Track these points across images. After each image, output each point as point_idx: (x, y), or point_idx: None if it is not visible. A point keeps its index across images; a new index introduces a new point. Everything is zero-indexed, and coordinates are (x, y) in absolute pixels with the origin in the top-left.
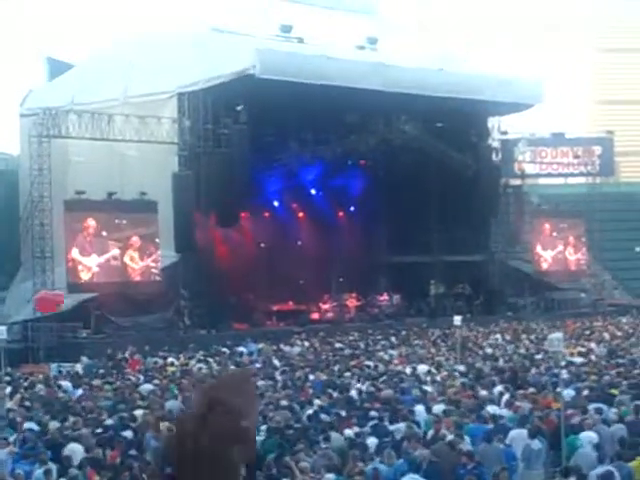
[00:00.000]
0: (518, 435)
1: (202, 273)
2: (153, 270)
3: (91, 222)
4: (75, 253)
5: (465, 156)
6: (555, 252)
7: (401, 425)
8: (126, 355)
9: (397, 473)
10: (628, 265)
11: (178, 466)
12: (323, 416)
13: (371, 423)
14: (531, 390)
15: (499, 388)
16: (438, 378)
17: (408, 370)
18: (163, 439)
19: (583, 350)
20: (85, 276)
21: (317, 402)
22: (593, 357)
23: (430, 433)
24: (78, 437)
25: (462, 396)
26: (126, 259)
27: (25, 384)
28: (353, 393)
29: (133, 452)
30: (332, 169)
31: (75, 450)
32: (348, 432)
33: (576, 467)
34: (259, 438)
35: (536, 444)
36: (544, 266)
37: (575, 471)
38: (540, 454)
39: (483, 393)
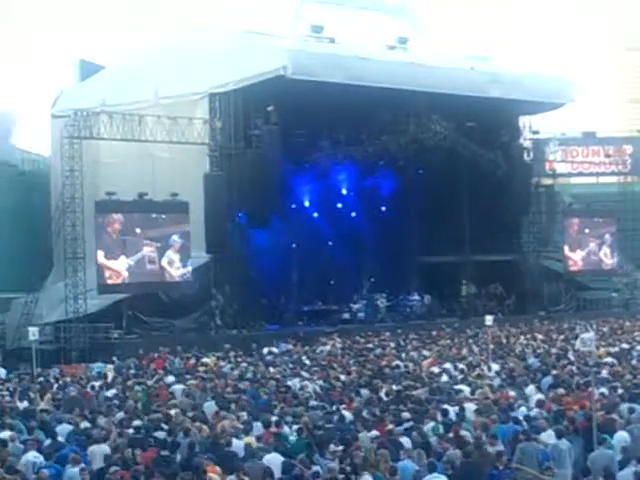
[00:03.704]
0: (548, 435)
1: (233, 274)
2: (189, 272)
3: (117, 218)
4: (101, 257)
5: (496, 155)
6: (587, 251)
7: (431, 425)
8: (155, 355)
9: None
10: None
11: None
12: (354, 417)
13: (404, 424)
14: (563, 390)
15: (531, 388)
16: (469, 378)
17: (439, 370)
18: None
19: (615, 350)
20: (112, 282)
21: (348, 402)
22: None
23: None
24: (107, 438)
25: (494, 396)
26: (164, 262)
27: (57, 384)
28: (383, 393)
29: (166, 453)
30: (363, 169)
31: (98, 451)
32: (375, 433)
33: (599, 467)
34: (291, 438)
35: (564, 443)
36: (575, 266)
37: (594, 471)
38: (568, 454)
39: (514, 393)
